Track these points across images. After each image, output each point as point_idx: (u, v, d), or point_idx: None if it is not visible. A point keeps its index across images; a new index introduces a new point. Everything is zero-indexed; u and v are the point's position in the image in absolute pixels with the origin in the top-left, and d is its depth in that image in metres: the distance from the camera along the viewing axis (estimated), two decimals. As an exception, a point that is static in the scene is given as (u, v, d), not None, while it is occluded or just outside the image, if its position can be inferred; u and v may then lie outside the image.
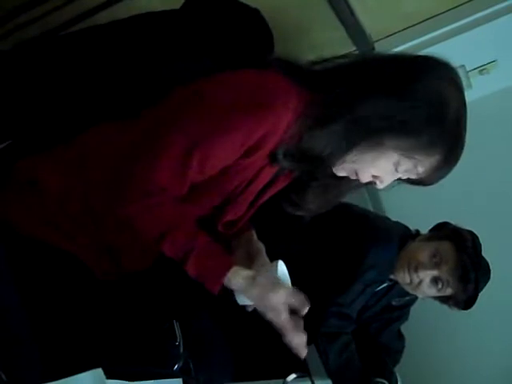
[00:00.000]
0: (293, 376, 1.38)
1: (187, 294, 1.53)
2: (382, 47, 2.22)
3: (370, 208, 2.59)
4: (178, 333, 1.38)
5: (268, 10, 1.70)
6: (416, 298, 2.15)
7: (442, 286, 1.99)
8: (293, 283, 1.31)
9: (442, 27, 2.30)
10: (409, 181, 1.38)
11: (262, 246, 1.47)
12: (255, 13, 1.70)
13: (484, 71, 2.43)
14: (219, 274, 1.25)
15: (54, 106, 1.51)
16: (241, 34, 1.65)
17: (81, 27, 1.82)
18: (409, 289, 2.06)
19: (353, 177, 1.36)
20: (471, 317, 2.10)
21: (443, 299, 2.06)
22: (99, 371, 1.03)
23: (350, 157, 1.31)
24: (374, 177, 1.35)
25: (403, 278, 2.03)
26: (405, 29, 2.33)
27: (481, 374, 2.53)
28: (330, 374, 2.00)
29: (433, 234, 2.09)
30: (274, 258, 1.35)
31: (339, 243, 2.02)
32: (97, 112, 1.46)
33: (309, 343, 1.28)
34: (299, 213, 1.49)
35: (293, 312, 1.25)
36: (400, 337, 2.23)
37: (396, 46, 2.26)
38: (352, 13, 2.05)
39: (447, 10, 2.29)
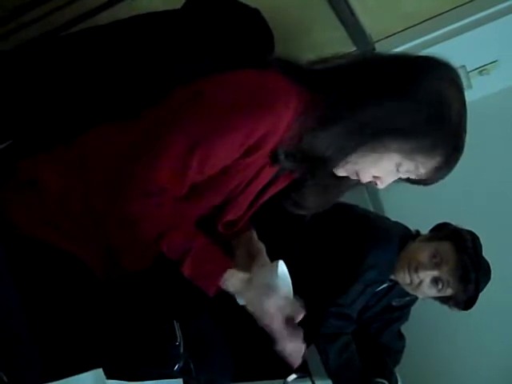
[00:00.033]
0: (293, 376, 1.39)
1: (187, 294, 1.52)
2: (382, 47, 2.22)
3: (370, 208, 2.59)
4: (178, 333, 1.37)
5: (268, 10, 1.70)
6: (416, 298, 2.15)
7: (443, 286, 1.99)
8: (293, 283, 1.31)
9: (442, 27, 2.29)
10: (409, 180, 1.38)
11: (262, 246, 1.47)
12: (255, 13, 1.70)
13: (484, 72, 2.43)
14: (216, 275, 1.25)
15: (54, 106, 1.51)
16: (241, 34, 1.65)
17: (82, 27, 1.82)
18: (409, 289, 2.06)
19: (353, 177, 1.36)
20: (471, 317, 2.10)
21: (443, 300, 2.06)
22: (99, 371, 1.03)
23: (351, 158, 1.31)
24: (374, 177, 1.35)
25: (403, 278, 2.03)
26: (405, 29, 2.33)
27: (481, 374, 2.54)
28: (330, 374, 2.00)
29: (433, 234, 2.09)
30: (274, 258, 1.35)
31: (340, 243, 2.02)
32: (97, 112, 1.46)
33: (309, 343, 1.28)
34: (299, 212, 1.49)
35: (290, 319, 1.25)
36: (400, 337, 2.23)
37: (396, 47, 2.25)
38: (352, 13, 2.05)
39: (448, 11, 2.29)
